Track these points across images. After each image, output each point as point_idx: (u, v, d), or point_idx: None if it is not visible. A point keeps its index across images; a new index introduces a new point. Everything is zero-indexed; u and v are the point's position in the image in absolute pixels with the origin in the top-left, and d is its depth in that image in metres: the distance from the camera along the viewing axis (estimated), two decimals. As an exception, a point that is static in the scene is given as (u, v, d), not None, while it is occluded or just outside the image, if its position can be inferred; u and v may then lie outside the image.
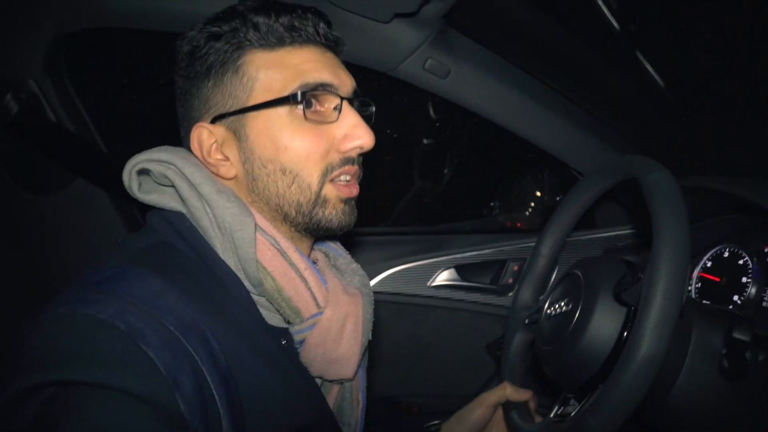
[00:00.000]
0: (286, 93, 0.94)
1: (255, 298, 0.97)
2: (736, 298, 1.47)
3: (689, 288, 1.56)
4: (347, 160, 1.00)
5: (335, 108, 0.98)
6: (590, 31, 1.76)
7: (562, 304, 1.22)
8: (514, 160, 2.53)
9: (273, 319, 1.00)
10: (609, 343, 1.07)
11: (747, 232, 1.54)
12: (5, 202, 1.83)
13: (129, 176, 0.96)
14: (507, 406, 1.39)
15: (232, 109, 0.96)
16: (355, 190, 1.03)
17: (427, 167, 2.59)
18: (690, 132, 1.88)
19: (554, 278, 1.97)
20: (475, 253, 2.03)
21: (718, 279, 1.54)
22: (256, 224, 0.95)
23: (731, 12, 1.56)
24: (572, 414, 1.10)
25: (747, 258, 1.48)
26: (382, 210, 2.57)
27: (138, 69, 2.12)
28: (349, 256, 1.21)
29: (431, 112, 2.38)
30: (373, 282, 2.01)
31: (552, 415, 1.19)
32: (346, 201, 1.02)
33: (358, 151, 1.00)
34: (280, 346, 0.98)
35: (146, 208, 1.01)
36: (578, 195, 1.38)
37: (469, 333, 2.10)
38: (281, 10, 0.96)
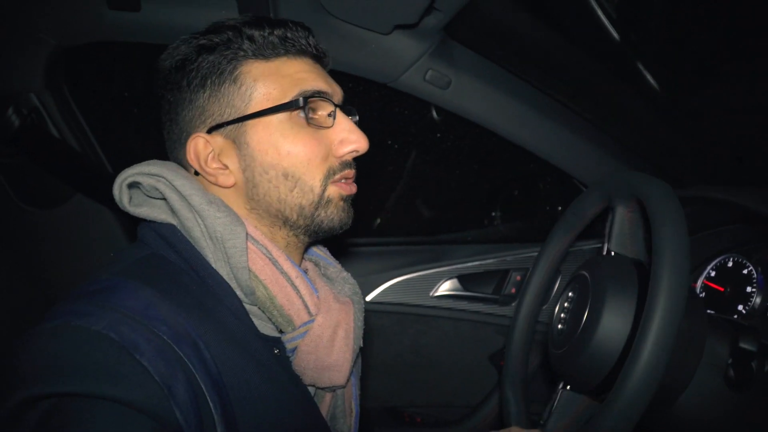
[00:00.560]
0: (285, 100, 0.97)
1: (247, 307, 0.98)
2: (740, 307, 1.46)
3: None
4: (346, 164, 1.04)
5: (329, 115, 1.02)
6: (590, 41, 1.76)
7: (572, 306, 1.22)
8: (515, 170, 2.53)
9: (265, 328, 1.01)
10: (621, 342, 1.06)
11: (751, 242, 1.54)
12: (7, 215, 1.83)
13: (119, 190, 0.97)
14: None
15: (231, 118, 0.98)
16: (354, 188, 1.07)
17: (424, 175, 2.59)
18: (690, 140, 1.89)
19: (556, 288, 1.97)
20: (478, 263, 2.03)
21: (722, 289, 1.53)
22: (247, 233, 0.96)
23: (730, 18, 1.57)
24: None
25: (751, 267, 1.48)
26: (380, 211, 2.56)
27: (138, 82, 2.12)
28: (339, 266, 1.23)
29: (434, 114, 2.38)
30: (375, 292, 2.02)
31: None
32: (345, 199, 1.05)
33: (355, 154, 1.05)
34: (272, 355, 0.98)
35: (141, 222, 1.02)
36: (581, 209, 1.38)
37: (472, 343, 2.10)
38: (274, 23, 1.00)
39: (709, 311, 1.52)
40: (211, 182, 1.01)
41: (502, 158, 2.52)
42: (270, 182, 0.98)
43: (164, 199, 0.97)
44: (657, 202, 1.05)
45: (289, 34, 1.00)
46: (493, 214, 2.50)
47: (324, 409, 1.10)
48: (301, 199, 1.00)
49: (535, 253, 1.97)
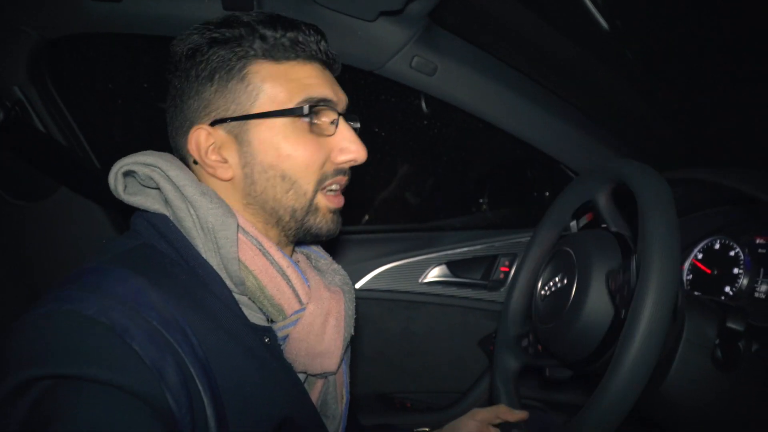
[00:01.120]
0: (290, 105, 0.99)
1: (237, 297, 0.99)
2: (728, 289, 1.48)
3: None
4: (340, 171, 1.06)
5: (332, 122, 1.04)
6: (577, 28, 1.76)
7: (557, 281, 1.23)
8: (502, 156, 2.53)
9: (255, 317, 1.02)
10: (608, 317, 1.08)
11: (738, 224, 1.55)
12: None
13: (115, 178, 0.98)
14: (504, 427, 1.39)
15: (235, 115, 0.98)
16: (341, 201, 1.10)
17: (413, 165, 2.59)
18: (679, 127, 1.89)
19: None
20: (466, 249, 2.04)
21: (709, 270, 1.55)
22: (238, 225, 0.98)
23: (720, 7, 1.57)
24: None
25: (738, 249, 1.49)
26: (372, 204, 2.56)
27: (122, 74, 2.10)
28: (329, 258, 1.25)
29: (423, 105, 2.38)
30: (364, 279, 2.02)
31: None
32: (334, 211, 1.08)
33: (352, 163, 1.07)
34: (262, 343, 0.99)
35: (131, 215, 1.03)
36: (571, 196, 1.39)
37: (461, 328, 2.11)
38: (288, 25, 1.00)
39: (696, 293, 1.54)
40: (209, 173, 1.02)
41: (490, 145, 2.52)
42: (268, 181, 1.00)
43: (158, 188, 0.98)
44: (644, 186, 1.05)
45: (300, 38, 1.00)
46: (481, 200, 2.50)
47: (315, 395, 1.13)
48: (294, 202, 1.02)
49: (523, 239, 1.98)
